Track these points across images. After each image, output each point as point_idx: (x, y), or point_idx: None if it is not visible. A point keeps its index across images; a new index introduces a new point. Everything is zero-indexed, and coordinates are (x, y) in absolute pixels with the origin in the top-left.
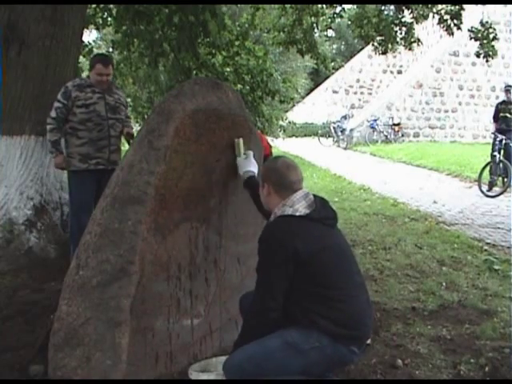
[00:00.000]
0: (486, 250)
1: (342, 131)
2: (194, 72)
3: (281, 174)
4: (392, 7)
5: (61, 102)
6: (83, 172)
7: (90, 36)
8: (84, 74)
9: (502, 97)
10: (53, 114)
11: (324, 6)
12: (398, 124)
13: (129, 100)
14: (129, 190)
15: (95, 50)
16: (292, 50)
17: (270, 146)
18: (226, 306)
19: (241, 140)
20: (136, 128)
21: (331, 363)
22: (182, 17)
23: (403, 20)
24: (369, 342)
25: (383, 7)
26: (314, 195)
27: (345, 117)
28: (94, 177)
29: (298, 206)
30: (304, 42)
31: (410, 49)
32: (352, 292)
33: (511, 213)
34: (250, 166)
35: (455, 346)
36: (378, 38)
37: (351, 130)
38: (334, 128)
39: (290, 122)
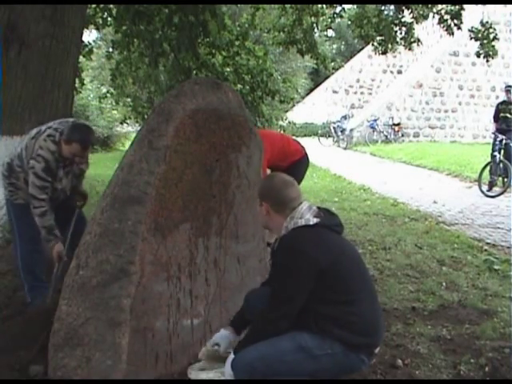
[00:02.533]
0: (485, 250)
1: (342, 131)
2: (194, 72)
3: (279, 193)
4: (392, 7)
5: (46, 180)
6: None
7: (90, 36)
8: (84, 74)
9: (502, 97)
10: (41, 195)
11: (324, 5)
12: (398, 124)
13: (129, 100)
14: (129, 190)
15: (95, 50)
16: (292, 50)
17: (303, 148)
18: (226, 306)
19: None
20: (136, 128)
21: (340, 370)
22: (182, 17)
23: (403, 20)
24: (376, 351)
25: (383, 7)
26: (317, 206)
27: (345, 117)
28: None
29: (308, 216)
30: (304, 42)
31: (409, 49)
32: (368, 298)
33: (511, 213)
34: (228, 338)
35: (455, 346)
36: (378, 38)
37: (351, 130)
38: (334, 128)
39: (289, 122)
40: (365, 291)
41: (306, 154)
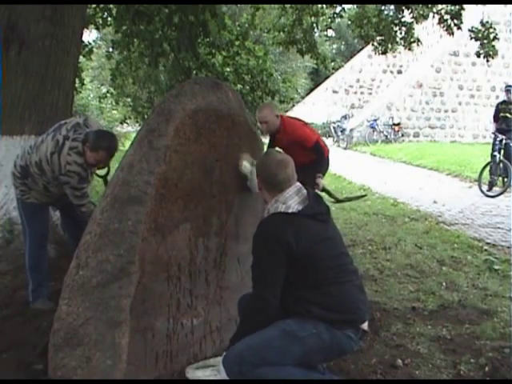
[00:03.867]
0: (486, 250)
1: (342, 131)
2: (194, 72)
3: (270, 173)
4: (392, 7)
5: (84, 188)
6: (43, 204)
7: (89, 36)
8: (84, 74)
9: (502, 97)
10: (84, 200)
11: (324, 5)
12: (398, 124)
13: (129, 100)
14: (129, 190)
15: (95, 50)
16: (292, 50)
17: (326, 146)
18: (226, 306)
19: (243, 161)
20: (136, 128)
21: (330, 350)
22: (182, 17)
23: (403, 20)
24: (366, 327)
25: (383, 7)
26: (308, 190)
27: (345, 117)
28: (50, 208)
29: (291, 202)
30: (304, 42)
31: (409, 49)
32: (344, 278)
33: (511, 213)
34: None
35: (455, 346)
36: (378, 38)
37: (351, 130)
38: (334, 128)
39: None
40: (342, 273)
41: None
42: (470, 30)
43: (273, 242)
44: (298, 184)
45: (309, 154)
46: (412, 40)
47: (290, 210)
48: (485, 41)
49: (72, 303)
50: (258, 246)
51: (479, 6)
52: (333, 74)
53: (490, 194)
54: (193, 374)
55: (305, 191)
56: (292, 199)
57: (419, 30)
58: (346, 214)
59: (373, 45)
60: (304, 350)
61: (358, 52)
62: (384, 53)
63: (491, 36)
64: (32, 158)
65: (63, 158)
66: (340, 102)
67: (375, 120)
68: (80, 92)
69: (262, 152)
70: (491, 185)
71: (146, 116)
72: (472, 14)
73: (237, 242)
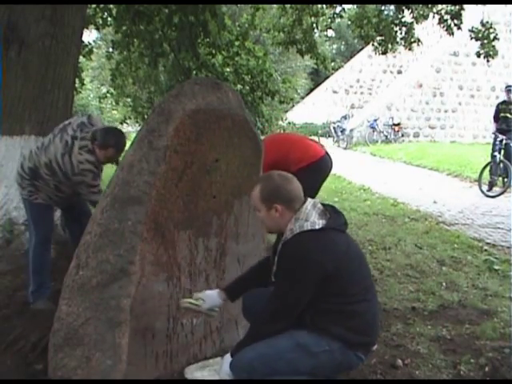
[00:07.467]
0: (486, 250)
1: (342, 131)
2: (194, 72)
3: (287, 190)
4: (392, 7)
5: (98, 184)
6: (50, 205)
7: (90, 36)
8: (84, 74)
9: (502, 97)
10: (99, 196)
11: (324, 6)
12: (398, 124)
13: (129, 100)
14: (129, 190)
15: (95, 50)
16: (292, 50)
17: (319, 151)
18: (226, 306)
19: (184, 302)
20: (136, 128)
21: (338, 367)
22: (182, 17)
23: (403, 20)
24: (374, 348)
25: (383, 7)
26: (321, 203)
27: (345, 117)
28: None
29: (313, 217)
30: (304, 42)
31: (409, 49)
32: (366, 296)
33: (511, 213)
34: (214, 302)
35: (455, 346)
36: (378, 38)
37: (351, 130)
38: (334, 128)
39: (289, 123)
40: (364, 290)
41: (320, 159)
42: (470, 30)
43: (304, 265)
44: (309, 198)
45: None
46: (412, 40)
47: (316, 227)
48: (485, 41)
49: (72, 303)
50: (287, 267)
51: (479, 5)
52: (333, 74)
53: (490, 194)
54: (191, 374)
55: (320, 204)
56: (313, 215)
57: (419, 30)
58: (346, 214)
59: (373, 45)
60: (314, 365)
61: (358, 52)
62: (384, 53)
63: (491, 36)
64: (41, 159)
65: (75, 157)
66: (340, 102)
67: (375, 120)
68: (80, 92)
69: (261, 152)
70: (491, 185)
71: (146, 116)
72: (472, 14)
73: (237, 241)
